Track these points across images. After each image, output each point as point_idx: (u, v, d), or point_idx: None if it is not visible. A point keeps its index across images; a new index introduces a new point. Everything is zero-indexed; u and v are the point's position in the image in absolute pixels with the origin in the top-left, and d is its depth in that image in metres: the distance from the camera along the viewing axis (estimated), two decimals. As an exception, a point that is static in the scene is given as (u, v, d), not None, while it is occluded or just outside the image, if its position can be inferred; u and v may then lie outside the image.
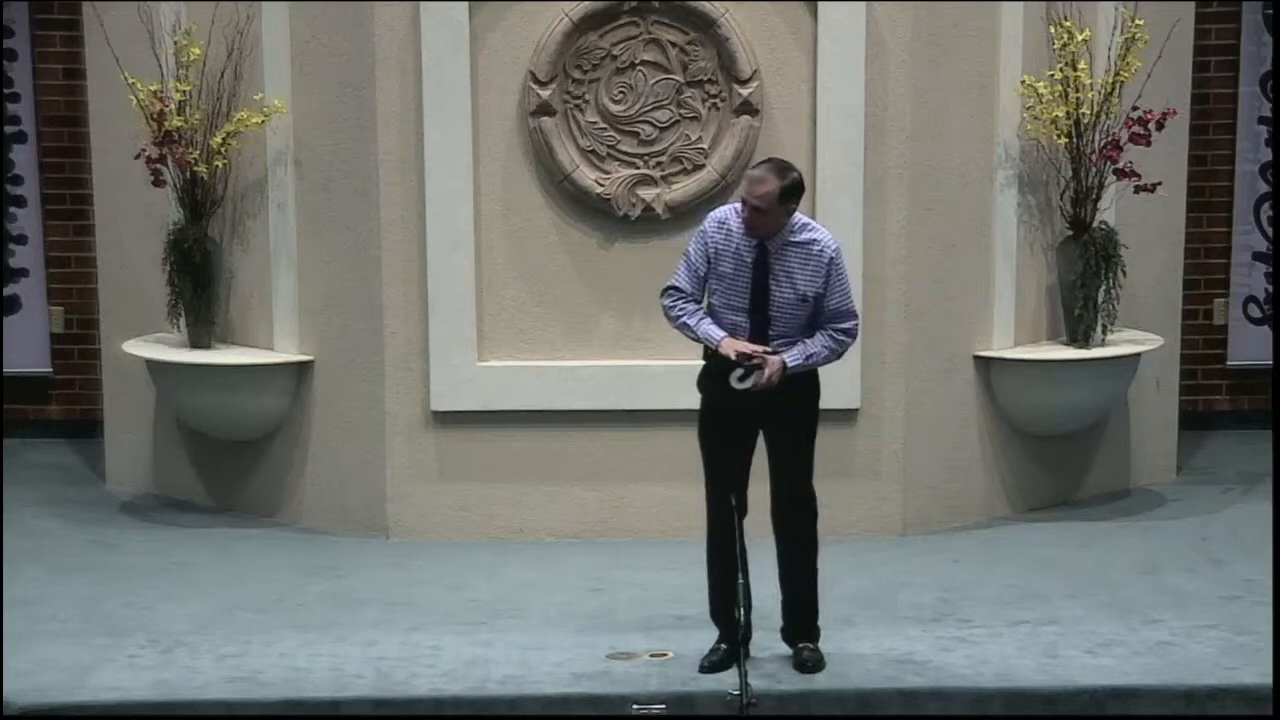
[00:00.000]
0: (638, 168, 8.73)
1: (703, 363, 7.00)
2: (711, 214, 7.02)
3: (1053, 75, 8.93)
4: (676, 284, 6.95)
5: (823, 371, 8.56)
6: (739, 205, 6.88)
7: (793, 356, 6.80)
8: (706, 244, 6.91)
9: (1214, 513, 9.27)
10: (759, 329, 6.85)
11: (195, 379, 9.09)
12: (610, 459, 8.85)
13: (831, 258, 6.83)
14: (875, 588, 8.12)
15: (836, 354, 6.94)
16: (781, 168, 6.88)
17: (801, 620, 7.14)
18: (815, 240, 6.84)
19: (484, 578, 8.33)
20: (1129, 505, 9.44)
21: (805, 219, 6.93)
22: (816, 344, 6.86)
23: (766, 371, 6.74)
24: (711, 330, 6.86)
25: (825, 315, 6.87)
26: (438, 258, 8.70)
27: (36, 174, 10.57)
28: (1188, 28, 9.53)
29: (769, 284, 6.83)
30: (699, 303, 6.95)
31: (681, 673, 7.05)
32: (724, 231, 6.89)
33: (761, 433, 7.00)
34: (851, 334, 6.92)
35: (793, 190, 6.82)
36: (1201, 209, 10.41)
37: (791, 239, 6.83)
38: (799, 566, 7.08)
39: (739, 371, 6.77)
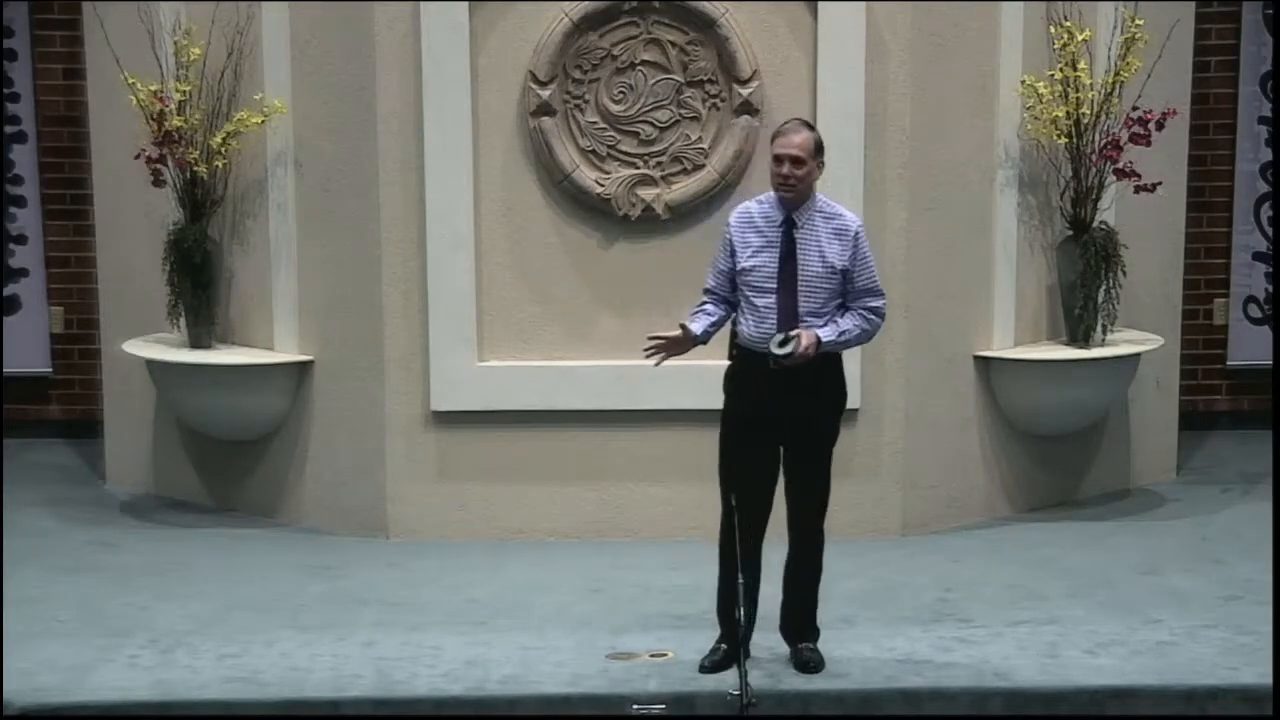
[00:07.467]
0: (638, 168, 8.73)
1: (727, 362, 7.01)
2: (733, 211, 7.06)
3: (1053, 75, 8.93)
4: (706, 285, 7.00)
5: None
6: (761, 196, 6.95)
7: (826, 333, 6.80)
8: (729, 237, 6.92)
9: (1214, 513, 9.27)
10: (789, 306, 6.82)
11: (195, 379, 9.09)
12: (610, 459, 8.85)
13: (856, 232, 6.87)
14: (875, 588, 8.12)
15: (867, 334, 6.93)
16: (807, 122, 7.00)
17: (801, 618, 7.14)
18: (841, 214, 6.91)
19: (484, 578, 8.33)
20: (1129, 505, 9.44)
21: (827, 199, 6.96)
22: (849, 322, 6.86)
23: (804, 342, 6.71)
24: (691, 321, 6.91)
25: (853, 294, 6.88)
26: (438, 258, 8.70)
27: (36, 174, 10.57)
28: (1188, 28, 9.54)
29: (797, 256, 6.82)
30: (726, 299, 6.95)
31: (681, 673, 7.05)
32: (747, 217, 6.92)
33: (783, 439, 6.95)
34: (880, 313, 6.92)
35: (822, 144, 6.90)
36: (1201, 209, 10.41)
37: (818, 210, 6.87)
38: (804, 569, 7.08)
39: (779, 336, 6.76)
